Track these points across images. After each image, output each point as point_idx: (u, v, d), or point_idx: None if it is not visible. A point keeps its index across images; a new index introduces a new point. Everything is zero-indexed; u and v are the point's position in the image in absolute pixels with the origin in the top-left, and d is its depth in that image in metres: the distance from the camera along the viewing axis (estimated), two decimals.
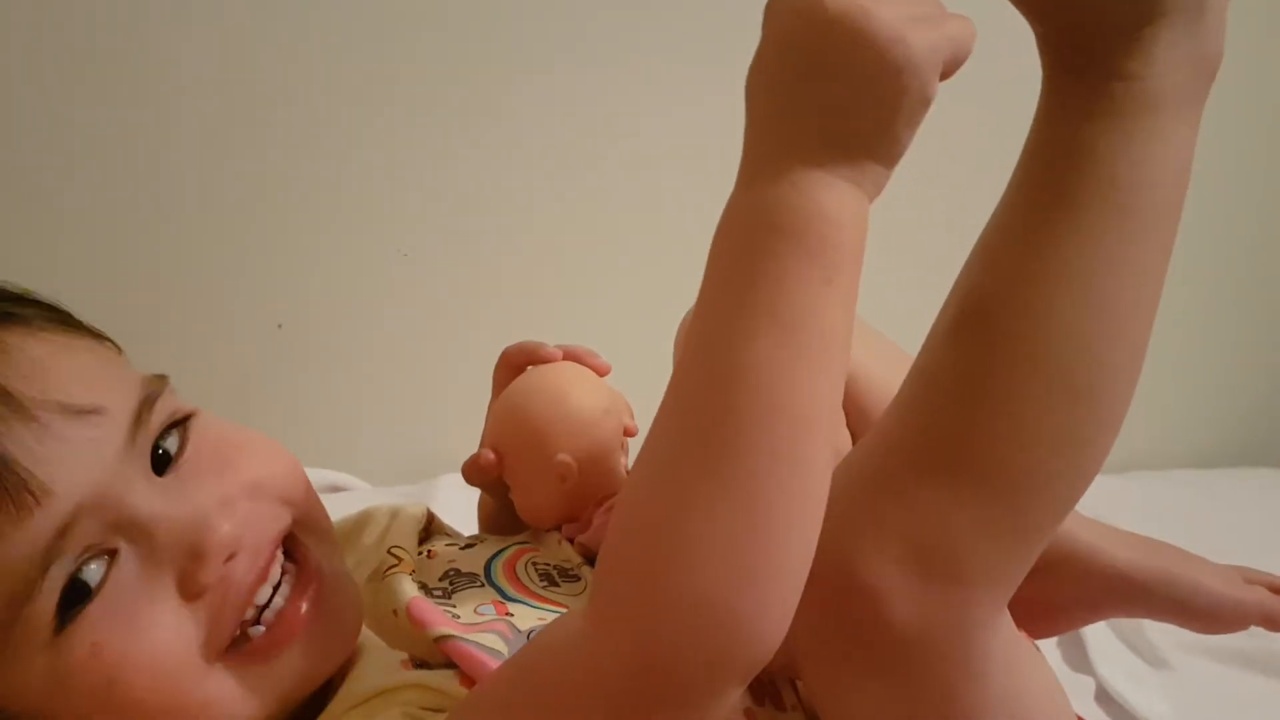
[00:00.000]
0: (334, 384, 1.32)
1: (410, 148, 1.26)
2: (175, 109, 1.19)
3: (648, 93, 1.27)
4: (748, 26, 0.42)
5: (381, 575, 0.54)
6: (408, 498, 1.17)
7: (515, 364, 0.64)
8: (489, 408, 0.64)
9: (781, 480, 0.36)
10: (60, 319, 0.49)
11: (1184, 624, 0.66)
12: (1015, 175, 0.44)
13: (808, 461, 0.37)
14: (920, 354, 0.45)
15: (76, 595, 0.42)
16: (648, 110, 1.28)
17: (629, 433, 0.62)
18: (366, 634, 0.50)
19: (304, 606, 0.46)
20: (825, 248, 0.38)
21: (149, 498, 0.43)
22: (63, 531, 0.41)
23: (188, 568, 0.43)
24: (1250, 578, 0.66)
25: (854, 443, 0.58)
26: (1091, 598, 0.62)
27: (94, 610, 0.42)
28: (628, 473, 0.60)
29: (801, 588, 0.37)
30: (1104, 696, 0.82)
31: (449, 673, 0.47)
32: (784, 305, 0.37)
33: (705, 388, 0.38)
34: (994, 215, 0.45)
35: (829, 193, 0.38)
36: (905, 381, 0.45)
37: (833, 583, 0.41)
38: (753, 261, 0.38)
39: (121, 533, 0.43)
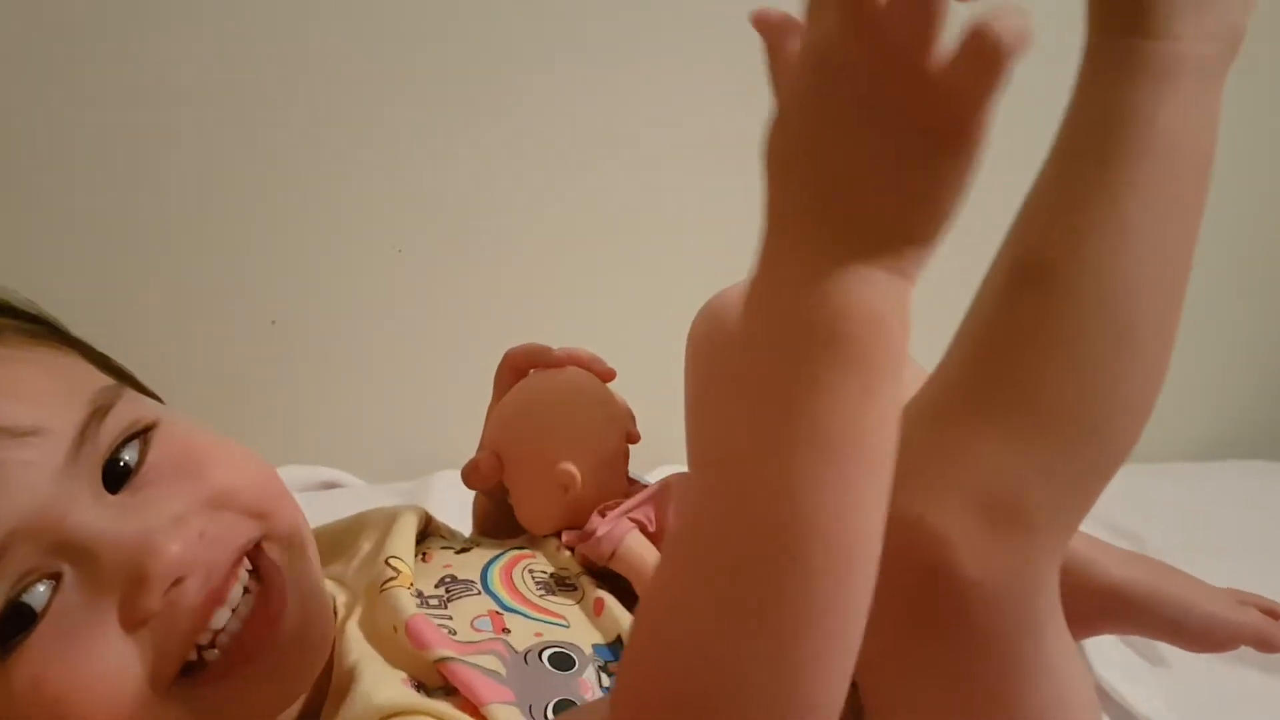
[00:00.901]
0: (329, 381, 1.32)
1: (407, 144, 1.25)
2: (170, 105, 1.18)
3: (651, 89, 1.26)
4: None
5: (379, 588, 0.52)
6: (403, 495, 1.17)
7: (518, 367, 0.63)
8: (489, 410, 0.64)
9: (826, 626, 0.33)
10: (22, 327, 0.47)
11: (1176, 643, 0.66)
12: (1061, 139, 0.45)
13: (851, 599, 0.33)
14: (973, 311, 0.45)
15: (18, 622, 0.40)
16: (650, 107, 1.27)
17: (632, 439, 0.61)
18: (364, 649, 0.49)
19: (262, 631, 0.44)
20: (865, 352, 0.33)
21: (94, 517, 0.41)
22: None
23: (129, 594, 0.41)
24: (1243, 599, 0.67)
25: None
26: (1085, 612, 0.62)
27: (36, 639, 0.40)
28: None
29: None
30: (1101, 695, 0.82)
31: (447, 705, 0.46)
32: (825, 420, 0.33)
33: (736, 512, 0.34)
34: (1041, 178, 0.45)
35: (869, 289, 0.33)
36: (957, 338, 0.45)
37: (899, 537, 0.36)
38: (786, 371, 0.33)
39: (64, 555, 0.40)
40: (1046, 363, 0.43)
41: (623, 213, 1.30)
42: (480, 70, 1.23)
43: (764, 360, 0.34)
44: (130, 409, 0.44)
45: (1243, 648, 0.88)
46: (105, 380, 0.46)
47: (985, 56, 0.31)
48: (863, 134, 0.33)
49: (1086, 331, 0.43)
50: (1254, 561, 1.03)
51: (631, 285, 1.30)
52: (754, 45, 0.40)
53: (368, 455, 1.29)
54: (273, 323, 1.28)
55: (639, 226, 1.30)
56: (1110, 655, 0.86)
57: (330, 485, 1.26)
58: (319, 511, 0.62)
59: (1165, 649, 0.88)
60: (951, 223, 0.34)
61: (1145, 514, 1.08)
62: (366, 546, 0.58)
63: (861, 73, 0.32)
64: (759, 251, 0.35)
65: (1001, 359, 0.44)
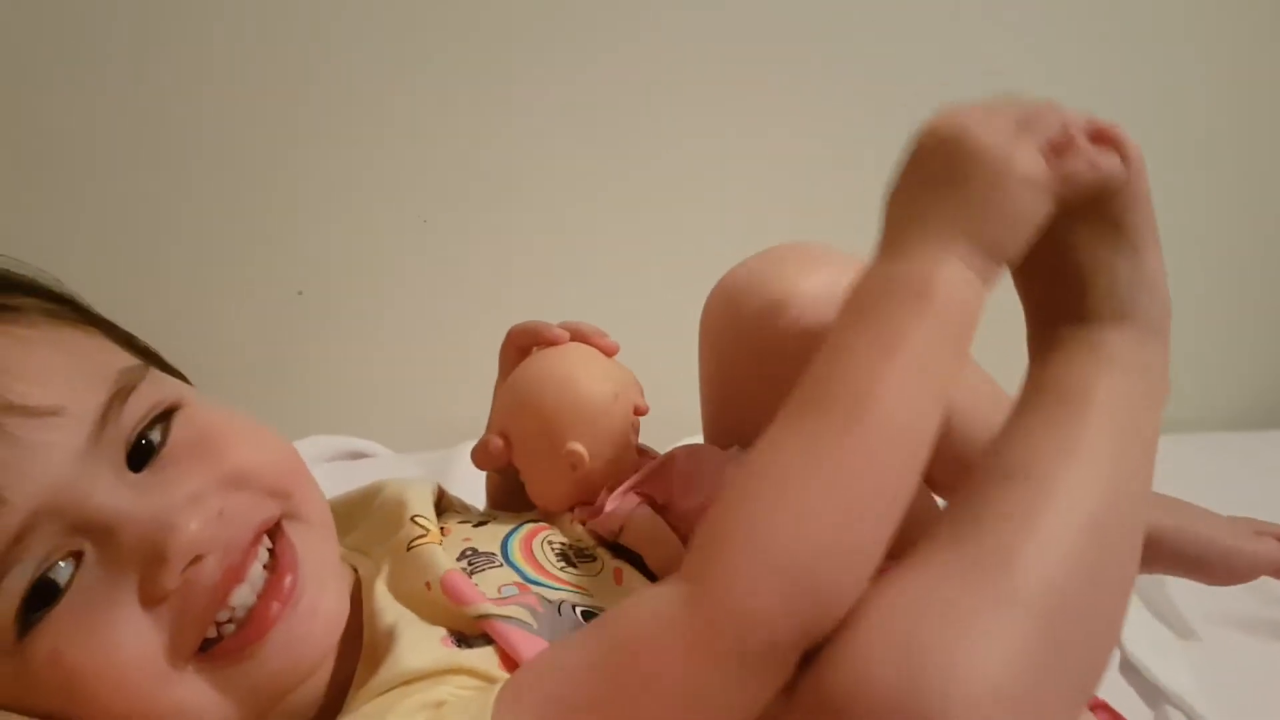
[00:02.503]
0: (355, 350, 1.33)
1: (434, 114, 1.25)
2: (196, 73, 1.19)
3: (679, 64, 1.26)
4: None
5: (406, 547, 0.53)
6: (430, 464, 1.17)
7: (521, 345, 0.62)
8: (495, 389, 0.63)
9: (881, 482, 0.43)
10: (45, 307, 0.47)
11: (1197, 577, 0.68)
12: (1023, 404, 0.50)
13: (911, 472, 0.44)
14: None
15: (43, 598, 0.41)
16: (678, 80, 1.26)
17: (639, 412, 0.60)
18: (399, 610, 0.49)
19: (274, 606, 0.45)
20: (943, 309, 0.45)
21: (115, 496, 0.42)
22: (19, 537, 0.40)
23: (148, 571, 0.42)
24: (1260, 529, 0.69)
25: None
26: None
27: (57, 615, 0.41)
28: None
29: (870, 574, 0.42)
30: (1128, 667, 0.81)
31: (488, 650, 0.46)
32: (922, 351, 0.44)
33: (844, 398, 0.44)
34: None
35: (960, 273, 0.46)
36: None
37: None
38: (896, 315, 0.45)
39: (86, 534, 0.42)
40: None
41: (646, 185, 1.29)
42: (506, 41, 1.23)
43: (879, 304, 0.46)
44: (153, 390, 0.45)
45: (1274, 620, 0.87)
46: (129, 360, 0.47)
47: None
48: (951, 181, 0.47)
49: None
50: None
51: (652, 256, 1.29)
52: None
53: (394, 425, 1.30)
54: (300, 293, 1.29)
55: (662, 198, 1.29)
56: (1138, 628, 0.84)
57: (358, 455, 1.26)
58: (347, 481, 0.63)
59: (1195, 621, 0.87)
60: (1012, 248, 0.47)
61: (1180, 484, 1.06)
62: (383, 512, 0.58)
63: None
64: (886, 228, 0.48)
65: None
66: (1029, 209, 0.47)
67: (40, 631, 0.41)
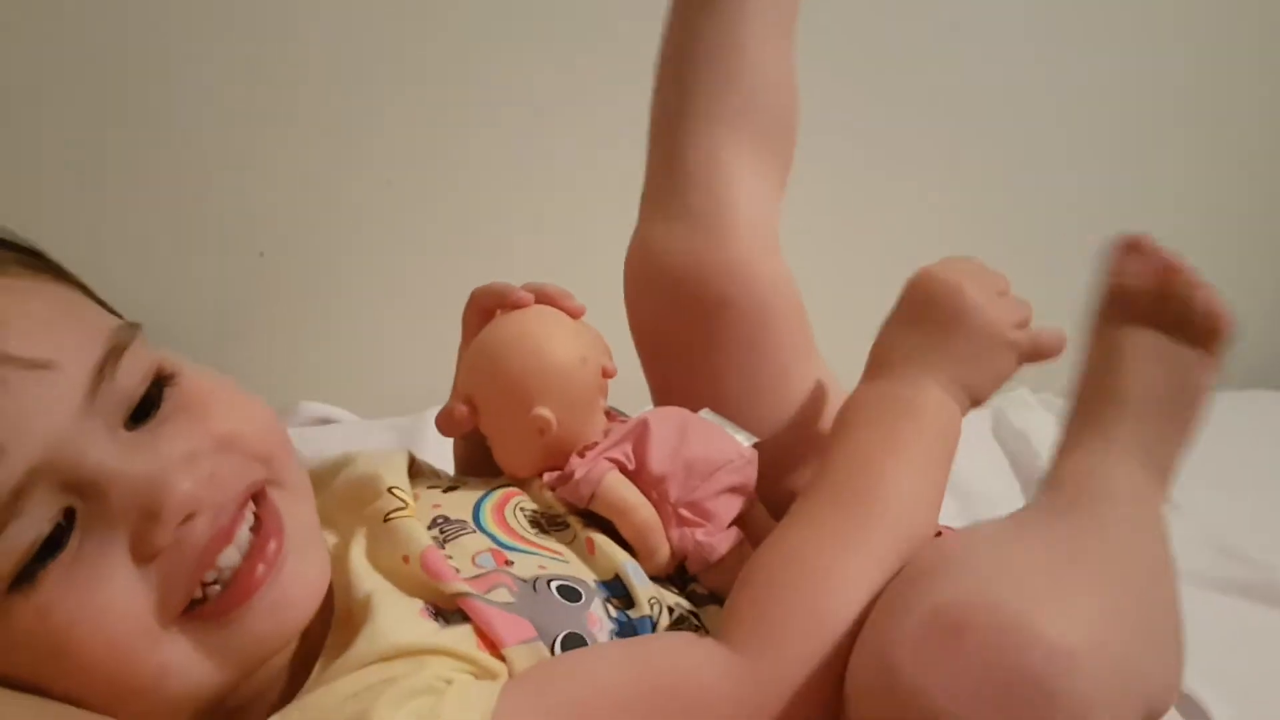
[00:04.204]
0: (320, 314, 1.31)
1: (397, 75, 1.22)
2: (160, 31, 1.16)
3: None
4: None
5: (383, 518, 0.52)
6: (398, 429, 1.16)
7: (485, 308, 0.61)
8: (459, 354, 0.62)
9: (899, 552, 0.50)
10: (27, 261, 0.47)
11: None
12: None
13: (916, 541, 0.52)
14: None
15: (41, 557, 0.41)
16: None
17: (607, 374, 0.59)
18: (377, 580, 0.49)
19: (260, 569, 0.45)
20: (928, 426, 0.56)
21: (108, 454, 0.42)
22: (17, 493, 0.40)
23: (141, 528, 0.42)
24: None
25: None
26: None
27: (48, 572, 0.41)
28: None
29: None
30: None
31: (467, 630, 0.46)
32: (920, 453, 0.55)
33: (862, 490, 0.53)
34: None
35: (947, 400, 0.57)
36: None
37: None
38: (894, 425, 0.55)
39: (78, 491, 0.41)
40: None
41: (609, 142, 1.26)
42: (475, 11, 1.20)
43: (877, 417, 0.56)
44: (145, 352, 0.45)
45: (1248, 581, 0.87)
46: (113, 319, 0.46)
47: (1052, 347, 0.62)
48: (943, 326, 0.58)
49: None
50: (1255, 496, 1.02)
51: (617, 214, 1.28)
52: None
53: (361, 391, 1.28)
54: (261, 254, 1.26)
55: (625, 155, 1.27)
56: None
57: (325, 421, 1.25)
58: (314, 448, 0.61)
59: None
60: (986, 391, 0.59)
61: None
62: (353, 484, 0.57)
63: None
64: (880, 349, 0.59)
65: None
66: (1007, 369, 0.59)
67: (31, 587, 0.40)
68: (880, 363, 0.59)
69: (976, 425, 1.19)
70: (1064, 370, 0.61)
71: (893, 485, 0.52)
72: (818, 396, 0.67)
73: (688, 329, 0.67)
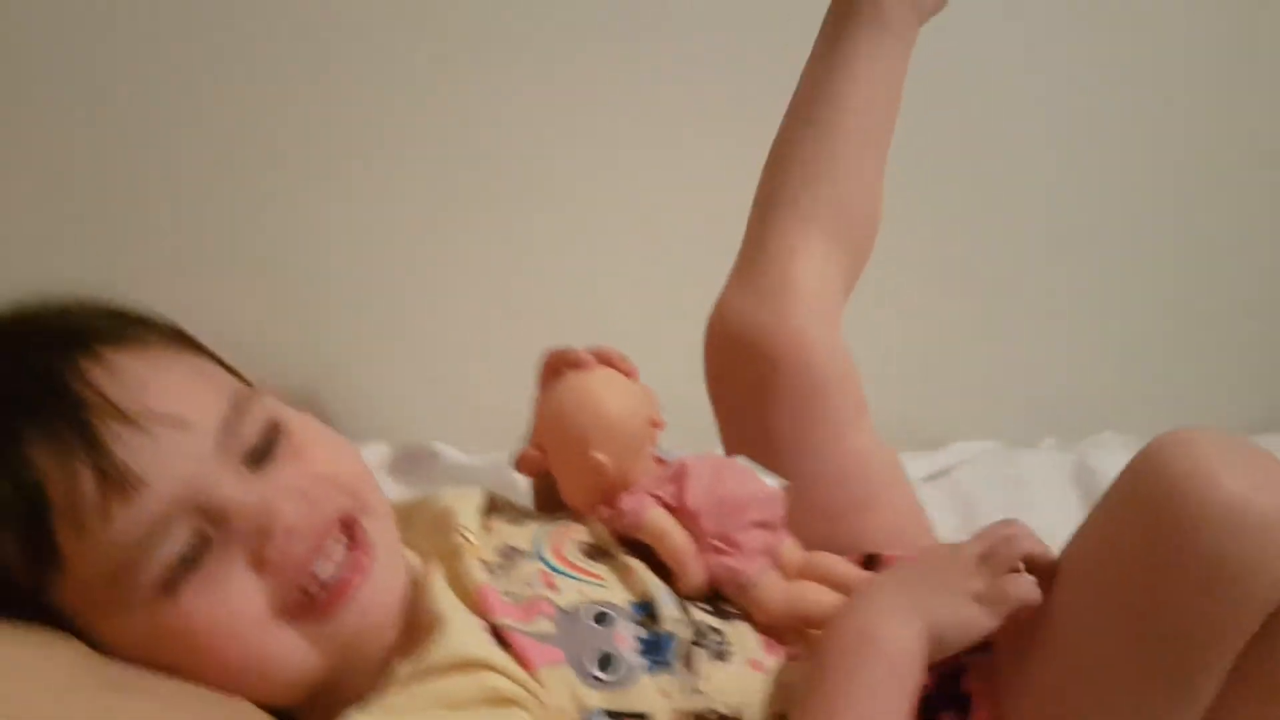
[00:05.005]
0: (424, 355, 1.35)
1: (439, 105, 1.25)
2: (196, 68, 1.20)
3: (688, 59, 1.27)
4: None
5: (454, 549, 0.64)
6: (496, 465, 1.24)
7: (555, 367, 0.73)
8: (535, 405, 0.74)
9: None
10: (168, 336, 0.61)
11: None
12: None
13: None
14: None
15: (183, 571, 0.54)
16: (685, 75, 1.27)
17: (656, 425, 0.71)
18: (452, 600, 0.61)
19: (355, 579, 0.58)
20: (897, 663, 0.58)
21: (232, 489, 0.55)
22: (165, 519, 0.53)
23: (256, 544, 0.55)
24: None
25: None
26: None
27: (187, 580, 0.54)
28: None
29: None
30: None
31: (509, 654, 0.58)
32: (881, 697, 0.57)
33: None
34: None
35: (910, 636, 0.58)
36: None
37: None
38: (854, 656, 0.58)
39: (208, 518, 0.54)
40: None
41: (654, 179, 1.30)
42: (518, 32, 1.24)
43: (848, 661, 0.58)
44: (262, 407, 0.59)
45: None
46: (236, 381, 0.61)
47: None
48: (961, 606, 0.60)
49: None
50: None
51: (666, 253, 1.30)
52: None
53: (461, 427, 1.31)
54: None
55: (671, 192, 1.30)
56: None
57: (430, 455, 1.34)
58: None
59: None
60: (956, 648, 0.61)
61: None
62: (433, 520, 0.69)
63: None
64: (861, 594, 0.63)
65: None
66: (984, 626, 0.60)
67: (175, 593, 0.53)
68: (868, 604, 0.62)
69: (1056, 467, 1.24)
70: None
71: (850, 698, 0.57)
72: (861, 463, 0.79)
73: (746, 384, 0.81)
